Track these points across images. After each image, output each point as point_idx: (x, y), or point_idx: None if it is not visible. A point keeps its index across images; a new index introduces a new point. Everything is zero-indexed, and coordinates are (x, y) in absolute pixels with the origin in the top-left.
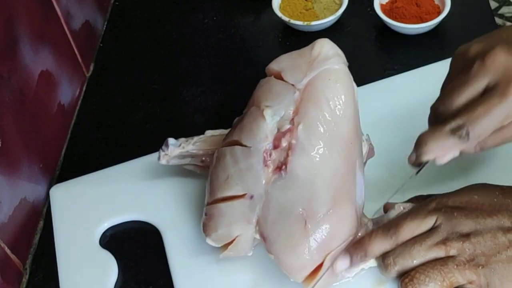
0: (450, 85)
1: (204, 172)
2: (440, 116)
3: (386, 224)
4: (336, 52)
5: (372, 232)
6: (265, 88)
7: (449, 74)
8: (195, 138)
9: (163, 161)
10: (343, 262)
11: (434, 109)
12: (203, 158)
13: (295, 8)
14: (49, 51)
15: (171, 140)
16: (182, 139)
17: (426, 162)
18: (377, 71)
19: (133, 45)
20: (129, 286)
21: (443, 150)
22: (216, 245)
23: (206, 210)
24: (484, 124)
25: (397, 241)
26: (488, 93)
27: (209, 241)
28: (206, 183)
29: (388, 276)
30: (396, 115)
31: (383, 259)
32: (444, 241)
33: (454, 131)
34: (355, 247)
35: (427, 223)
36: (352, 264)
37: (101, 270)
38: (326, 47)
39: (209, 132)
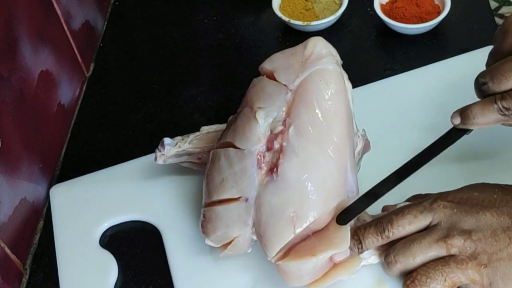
0: (500, 65)
1: (201, 169)
2: (487, 90)
3: (379, 218)
4: (329, 52)
5: (366, 226)
6: (258, 88)
7: (498, 45)
8: (191, 136)
9: (160, 161)
10: (342, 253)
11: (481, 83)
12: (200, 156)
13: (295, 8)
14: (49, 51)
15: (167, 140)
16: (178, 138)
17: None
18: (377, 71)
19: (133, 45)
20: (129, 286)
21: (488, 124)
22: (215, 246)
23: (203, 211)
24: None
25: (389, 236)
26: None
27: (208, 242)
28: (203, 184)
29: (392, 275)
30: (396, 115)
31: (385, 257)
32: (444, 239)
33: (502, 111)
34: (353, 238)
35: (422, 219)
36: (351, 255)
37: (101, 270)
38: (319, 46)
39: (204, 129)
